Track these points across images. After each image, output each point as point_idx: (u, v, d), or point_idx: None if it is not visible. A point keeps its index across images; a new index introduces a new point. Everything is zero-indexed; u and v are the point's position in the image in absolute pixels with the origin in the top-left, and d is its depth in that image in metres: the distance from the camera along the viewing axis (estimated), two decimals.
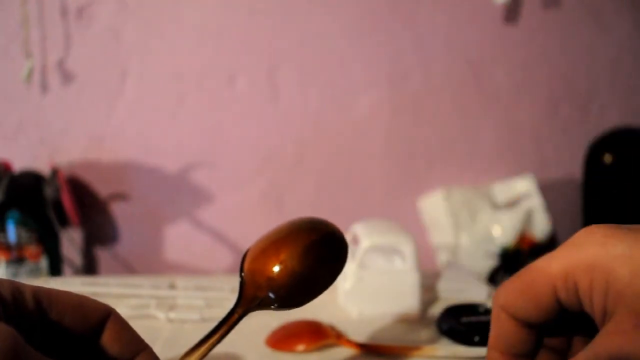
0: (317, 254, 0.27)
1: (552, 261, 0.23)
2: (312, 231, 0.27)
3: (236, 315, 0.26)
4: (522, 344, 0.25)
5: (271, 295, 0.26)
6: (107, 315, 0.25)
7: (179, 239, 1.04)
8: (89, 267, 1.03)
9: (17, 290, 0.23)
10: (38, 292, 0.24)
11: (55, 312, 0.24)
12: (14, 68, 0.97)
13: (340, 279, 0.79)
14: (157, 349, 0.31)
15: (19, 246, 0.87)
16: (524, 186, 0.99)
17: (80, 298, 0.25)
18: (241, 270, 0.27)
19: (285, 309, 0.26)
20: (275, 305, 0.26)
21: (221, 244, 1.03)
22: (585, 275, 0.22)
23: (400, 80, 1.02)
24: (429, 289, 0.52)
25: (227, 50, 0.99)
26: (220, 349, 0.26)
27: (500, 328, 0.25)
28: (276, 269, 0.26)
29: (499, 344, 0.25)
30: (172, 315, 0.44)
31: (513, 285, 0.24)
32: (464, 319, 0.41)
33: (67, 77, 0.99)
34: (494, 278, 0.98)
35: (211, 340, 0.25)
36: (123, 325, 0.26)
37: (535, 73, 1.04)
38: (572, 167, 1.06)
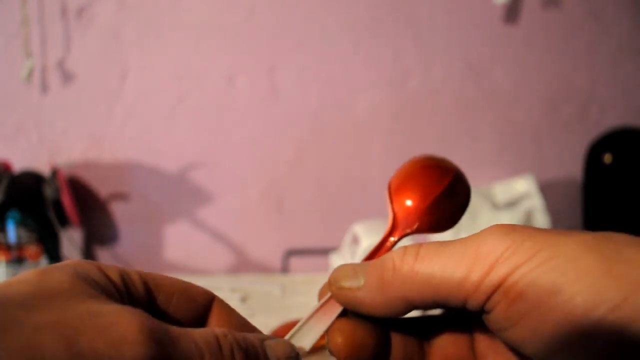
0: (456, 189, 0.29)
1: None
2: (450, 167, 0.29)
3: (392, 241, 0.28)
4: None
5: (419, 226, 0.28)
6: (211, 298, 0.24)
7: (179, 239, 1.04)
8: None
9: (125, 274, 0.22)
10: (145, 276, 0.23)
11: (163, 296, 0.23)
12: (14, 68, 0.97)
13: None
14: None
15: (19, 246, 0.87)
16: (524, 186, 0.99)
17: (183, 282, 0.24)
18: (390, 198, 0.29)
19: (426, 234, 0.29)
20: (421, 232, 0.29)
21: (221, 244, 1.04)
22: None
23: (400, 80, 1.02)
24: None
25: (227, 50, 0.99)
26: None
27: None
28: (426, 202, 0.28)
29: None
30: None
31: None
32: None
33: (67, 77, 0.99)
34: None
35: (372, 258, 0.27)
36: (229, 308, 0.25)
37: (535, 73, 1.04)
38: (572, 167, 1.06)
